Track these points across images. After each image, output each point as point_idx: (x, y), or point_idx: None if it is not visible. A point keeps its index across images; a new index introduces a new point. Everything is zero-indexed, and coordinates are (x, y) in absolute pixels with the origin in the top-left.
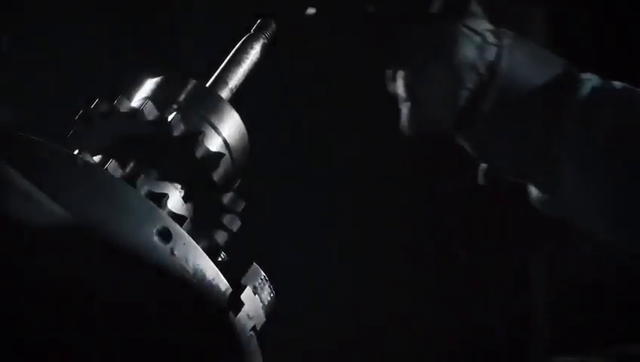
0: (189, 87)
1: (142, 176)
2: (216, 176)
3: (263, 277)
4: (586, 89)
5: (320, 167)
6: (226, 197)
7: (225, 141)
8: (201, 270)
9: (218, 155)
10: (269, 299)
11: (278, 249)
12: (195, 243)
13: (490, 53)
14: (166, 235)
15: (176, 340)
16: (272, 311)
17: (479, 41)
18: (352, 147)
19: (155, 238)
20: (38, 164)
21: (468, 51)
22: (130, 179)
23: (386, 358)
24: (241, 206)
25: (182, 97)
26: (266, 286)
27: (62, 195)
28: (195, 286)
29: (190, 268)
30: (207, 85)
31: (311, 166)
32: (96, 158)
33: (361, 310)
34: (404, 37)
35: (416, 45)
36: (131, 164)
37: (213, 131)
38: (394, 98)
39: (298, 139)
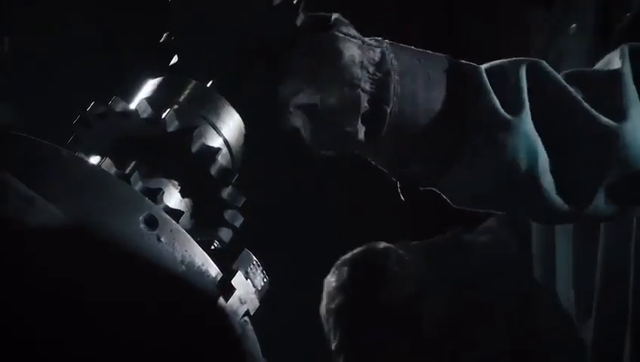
0: (189, 87)
1: (136, 172)
2: (213, 170)
3: (255, 262)
4: (480, 78)
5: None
6: (225, 192)
7: (225, 140)
8: (189, 256)
9: (214, 150)
10: (263, 284)
11: (277, 247)
12: (182, 229)
13: (375, 54)
14: (152, 223)
15: (166, 328)
16: (265, 295)
17: (359, 43)
18: None
19: (141, 226)
20: (33, 163)
21: (352, 51)
22: (125, 176)
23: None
24: (241, 201)
25: (181, 97)
26: (259, 272)
27: (53, 193)
28: (184, 273)
29: (178, 255)
30: (207, 85)
31: (310, 164)
32: (96, 158)
33: None
34: (286, 58)
35: (301, 60)
36: (129, 162)
37: (213, 131)
38: (290, 131)
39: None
